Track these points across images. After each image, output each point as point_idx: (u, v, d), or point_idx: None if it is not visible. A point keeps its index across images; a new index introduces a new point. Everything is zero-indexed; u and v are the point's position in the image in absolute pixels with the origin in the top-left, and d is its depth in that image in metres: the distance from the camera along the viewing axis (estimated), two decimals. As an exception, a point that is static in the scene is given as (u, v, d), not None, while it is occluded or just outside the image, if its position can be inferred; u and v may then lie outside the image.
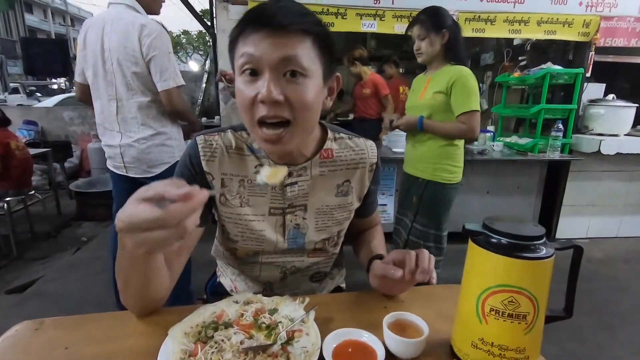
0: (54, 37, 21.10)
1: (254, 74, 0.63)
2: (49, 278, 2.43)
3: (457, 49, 1.70)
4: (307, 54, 0.63)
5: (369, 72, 3.42)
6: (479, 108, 1.64)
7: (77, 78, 1.70)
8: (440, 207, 1.81)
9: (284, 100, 0.62)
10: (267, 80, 0.61)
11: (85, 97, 1.71)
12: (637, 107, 2.88)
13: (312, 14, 0.66)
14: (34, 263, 2.68)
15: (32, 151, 3.11)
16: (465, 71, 1.63)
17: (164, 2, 1.73)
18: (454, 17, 1.73)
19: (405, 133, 1.97)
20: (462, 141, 1.78)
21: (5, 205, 2.63)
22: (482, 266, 0.55)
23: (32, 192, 2.95)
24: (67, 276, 2.46)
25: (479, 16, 2.70)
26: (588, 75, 2.92)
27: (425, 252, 0.72)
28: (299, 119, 0.65)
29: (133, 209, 0.43)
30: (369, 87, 3.40)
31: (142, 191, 0.45)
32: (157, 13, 1.69)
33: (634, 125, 2.99)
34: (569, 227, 3.20)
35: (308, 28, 0.63)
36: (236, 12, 2.52)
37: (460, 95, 1.63)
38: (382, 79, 3.47)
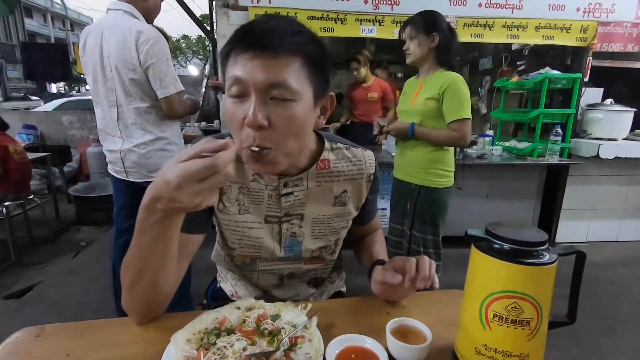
0: (53, 41, 21.14)
1: (242, 95, 0.62)
2: (47, 283, 2.42)
3: (449, 54, 1.70)
4: (295, 76, 0.61)
5: (371, 75, 3.38)
6: (470, 116, 1.65)
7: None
8: (436, 212, 1.80)
9: (269, 124, 0.61)
10: (253, 104, 0.60)
11: None
12: (635, 111, 2.90)
13: (305, 32, 0.63)
14: (32, 268, 2.66)
15: (31, 155, 3.11)
16: (457, 78, 1.63)
17: (159, 12, 1.73)
18: (452, 24, 1.73)
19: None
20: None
21: (3, 209, 2.62)
22: (485, 272, 0.55)
23: (31, 196, 2.94)
24: (66, 281, 2.45)
25: (478, 21, 2.72)
26: (586, 80, 2.94)
27: (426, 258, 0.72)
28: (283, 143, 0.63)
29: (181, 166, 0.47)
30: (376, 91, 3.32)
31: (179, 155, 0.49)
32: (151, 22, 1.68)
33: (632, 130, 3.00)
34: (568, 231, 3.20)
35: (298, 48, 0.61)
36: (236, 18, 2.52)
37: (452, 103, 1.63)
38: (387, 83, 3.42)
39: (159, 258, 0.61)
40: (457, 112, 1.63)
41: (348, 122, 3.66)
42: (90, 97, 1.83)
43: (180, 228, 0.60)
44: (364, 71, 3.26)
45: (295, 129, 0.63)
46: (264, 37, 0.59)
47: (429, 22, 1.67)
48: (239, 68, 0.60)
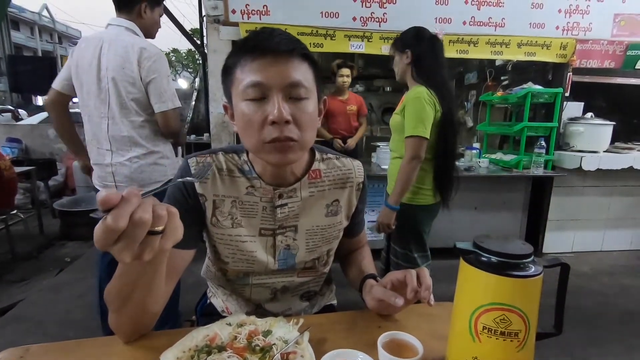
0: (40, 54, 20.94)
1: (261, 97, 0.66)
2: (29, 301, 2.34)
3: (424, 70, 1.66)
4: (306, 77, 0.68)
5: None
6: (422, 133, 1.59)
7: (55, 84, 1.64)
8: (405, 227, 1.77)
9: (292, 120, 0.66)
10: (277, 103, 0.65)
11: (54, 106, 1.65)
12: (614, 124, 3.01)
13: (301, 42, 0.70)
14: (14, 285, 2.58)
15: (16, 169, 3.04)
16: (418, 94, 1.59)
17: (160, 27, 1.75)
18: (439, 36, 1.73)
19: (390, 150, 1.95)
20: (429, 163, 1.71)
21: (-15, 225, 2.55)
22: (474, 284, 0.56)
23: (14, 211, 2.87)
24: (49, 299, 2.38)
25: (462, 38, 2.81)
26: (567, 94, 3.04)
27: (425, 270, 0.72)
28: (303, 135, 0.69)
29: (95, 229, 0.43)
30: (354, 104, 3.27)
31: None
32: (152, 37, 1.72)
33: (612, 142, 3.11)
34: (554, 242, 3.26)
35: (305, 53, 0.69)
36: (227, 33, 2.55)
37: (407, 120, 1.63)
38: (361, 97, 3.38)
39: (146, 284, 0.60)
40: (410, 129, 1.60)
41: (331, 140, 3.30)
42: (77, 110, 1.81)
43: (167, 254, 0.59)
44: (348, 82, 3.20)
45: (310, 123, 0.70)
46: (279, 43, 0.65)
47: (403, 39, 1.71)
48: (256, 72, 0.65)
